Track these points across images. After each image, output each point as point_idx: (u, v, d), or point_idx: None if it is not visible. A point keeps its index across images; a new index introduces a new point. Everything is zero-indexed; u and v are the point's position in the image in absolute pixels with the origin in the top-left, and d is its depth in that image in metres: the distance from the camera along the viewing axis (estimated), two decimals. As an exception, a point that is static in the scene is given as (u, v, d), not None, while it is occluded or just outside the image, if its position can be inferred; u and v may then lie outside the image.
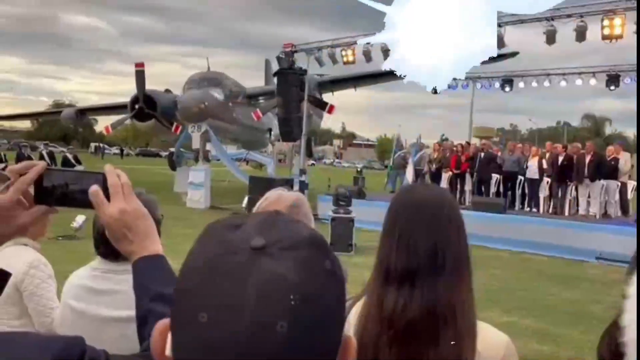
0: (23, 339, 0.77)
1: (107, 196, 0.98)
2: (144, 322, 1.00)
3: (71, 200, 1.01)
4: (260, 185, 13.49)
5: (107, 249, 1.93)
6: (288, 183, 13.98)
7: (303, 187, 15.28)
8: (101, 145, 67.64)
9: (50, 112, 35.82)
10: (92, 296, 1.93)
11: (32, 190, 0.96)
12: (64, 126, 35.07)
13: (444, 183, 15.74)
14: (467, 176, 15.80)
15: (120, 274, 1.87)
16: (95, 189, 0.97)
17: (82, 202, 0.99)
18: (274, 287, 0.48)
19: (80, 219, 9.48)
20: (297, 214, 1.71)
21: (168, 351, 0.52)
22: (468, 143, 18.08)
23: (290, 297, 0.48)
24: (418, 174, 17.54)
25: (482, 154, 15.33)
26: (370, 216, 11.53)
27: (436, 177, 16.48)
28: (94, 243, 2.00)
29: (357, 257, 9.89)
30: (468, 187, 15.79)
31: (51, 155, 21.68)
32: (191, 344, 0.49)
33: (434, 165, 16.82)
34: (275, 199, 1.74)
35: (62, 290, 2.12)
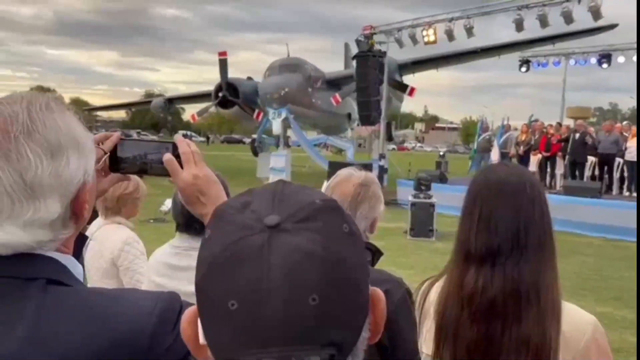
0: (135, 293, 0.88)
1: (180, 163, 1.04)
2: None
3: (149, 169, 1.07)
4: (339, 170, 13.50)
5: (187, 225, 2.01)
6: (367, 168, 13.90)
7: (382, 171, 15.15)
8: (188, 132, 71.00)
9: (142, 102, 37.90)
10: (173, 272, 2.04)
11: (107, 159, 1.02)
12: (155, 115, 37.03)
13: (533, 166, 14.97)
14: (558, 159, 14.93)
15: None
16: (169, 156, 1.03)
17: (159, 170, 1.06)
18: (298, 262, 0.47)
19: (168, 202, 9.95)
20: (366, 192, 1.71)
21: (202, 339, 0.52)
22: (559, 124, 17.05)
23: (317, 269, 0.47)
24: (504, 157, 16.79)
25: (576, 135, 14.37)
26: (451, 201, 11.17)
27: (524, 160, 15.69)
28: (176, 222, 2.08)
29: (438, 242, 9.67)
30: (559, 170, 14.92)
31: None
32: (225, 330, 0.49)
33: (521, 148, 16.03)
34: (344, 177, 1.74)
35: (147, 266, 2.22)
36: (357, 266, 0.51)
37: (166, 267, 2.07)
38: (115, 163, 1.04)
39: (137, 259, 2.60)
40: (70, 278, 0.81)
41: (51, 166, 0.75)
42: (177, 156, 1.04)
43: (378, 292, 0.54)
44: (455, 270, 1.32)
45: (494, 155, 17.00)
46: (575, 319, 1.27)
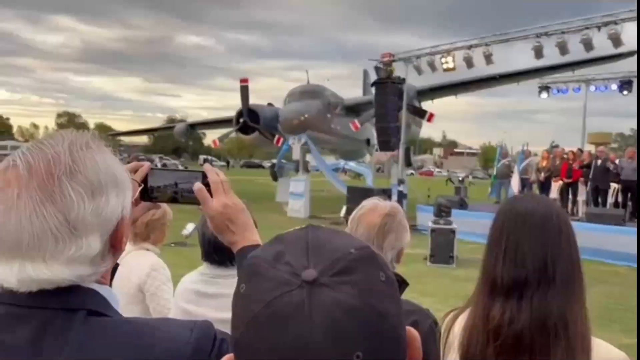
0: (171, 322, 0.89)
1: (209, 192, 1.07)
2: None
3: (180, 198, 1.11)
4: (358, 195, 13.52)
5: (215, 255, 2.05)
6: (386, 193, 13.90)
7: (401, 197, 15.11)
8: (209, 157, 71.70)
9: (164, 128, 38.60)
10: (201, 299, 2.07)
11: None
12: (176, 140, 37.63)
13: (554, 193, 14.80)
14: (580, 185, 14.73)
15: (226, 278, 1.99)
16: (199, 186, 1.07)
17: (189, 198, 1.09)
18: (339, 319, 0.47)
19: (190, 226, 10.08)
20: (392, 222, 1.72)
21: None
22: (580, 150, 16.88)
23: (359, 325, 0.47)
24: (524, 183, 16.64)
25: (598, 162, 14.21)
26: (472, 227, 11.11)
27: (545, 186, 15.54)
28: (202, 250, 2.13)
29: (459, 269, 9.56)
30: (581, 197, 14.71)
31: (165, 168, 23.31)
32: None
33: (542, 174, 15.87)
34: (370, 207, 1.75)
35: (175, 292, 2.27)
36: (396, 315, 0.51)
37: (194, 293, 2.10)
38: (146, 192, 1.08)
39: (163, 285, 2.65)
40: (109, 308, 0.83)
41: (92, 205, 0.78)
42: (206, 185, 1.08)
43: (412, 332, 0.55)
44: (480, 302, 1.29)
45: (514, 182, 16.85)
46: (603, 354, 1.23)
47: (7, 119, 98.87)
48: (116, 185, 0.82)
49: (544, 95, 20.65)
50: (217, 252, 2.02)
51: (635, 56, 13.88)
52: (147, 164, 1.11)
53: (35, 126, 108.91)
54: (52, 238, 0.75)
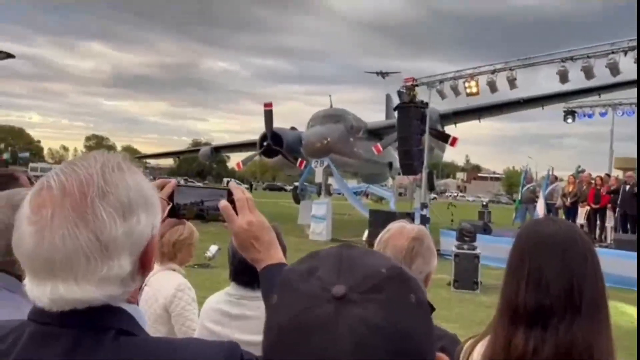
0: (199, 342, 0.89)
1: (234, 209, 1.08)
2: None
3: (206, 215, 1.12)
4: (380, 219, 13.45)
5: (243, 276, 2.05)
6: (409, 216, 13.79)
7: (424, 221, 14.96)
8: (232, 179, 72.27)
9: (190, 151, 39.17)
10: (226, 320, 2.07)
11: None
12: (201, 163, 38.11)
13: (581, 218, 14.50)
14: (608, 211, 14.41)
15: (252, 300, 1.99)
16: (225, 203, 1.08)
17: (215, 216, 1.11)
18: (365, 336, 0.47)
19: (213, 248, 10.14)
20: (420, 246, 1.70)
21: None
22: (608, 175, 16.55)
23: (383, 343, 0.47)
24: (550, 208, 16.35)
25: (626, 187, 13.90)
26: (497, 252, 10.90)
27: (571, 212, 15.25)
28: (230, 270, 2.13)
29: (483, 295, 9.39)
30: (609, 223, 14.37)
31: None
32: None
33: (568, 199, 15.60)
34: (397, 230, 1.74)
35: (200, 312, 2.28)
36: (423, 337, 0.51)
37: (219, 314, 2.11)
38: (173, 209, 1.10)
39: (189, 306, 2.66)
40: (137, 328, 0.84)
41: (124, 226, 0.79)
42: (232, 202, 1.09)
43: (443, 358, 0.56)
44: (501, 330, 1.23)
45: (540, 207, 16.57)
46: None
47: (39, 141, 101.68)
48: (146, 206, 0.83)
49: (570, 119, 20.40)
50: (245, 273, 2.01)
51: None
52: (173, 181, 1.13)
53: (65, 149, 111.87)
54: (84, 258, 0.76)
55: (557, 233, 1.26)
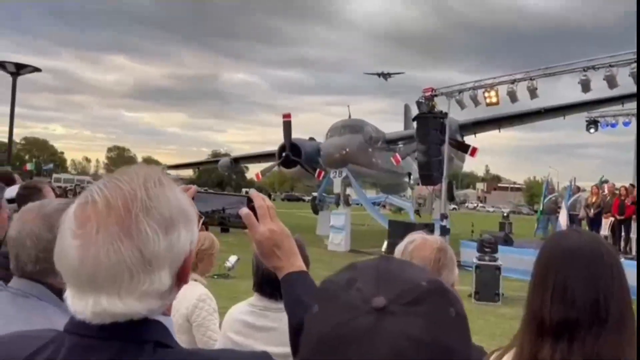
0: (231, 353, 0.92)
1: (255, 216, 1.09)
2: (300, 331, 1.09)
3: (227, 222, 1.14)
4: (399, 230, 13.38)
5: (267, 287, 2.05)
6: (428, 227, 13.68)
7: (444, 232, 14.83)
8: (251, 190, 72.51)
9: (209, 162, 39.56)
10: (250, 331, 2.07)
11: None
12: (220, 173, 38.36)
13: (605, 229, 14.21)
14: (633, 222, 14.11)
15: (276, 311, 1.98)
16: (246, 211, 1.09)
17: (236, 223, 1.12)
18: (404, 349, 0.47)
19: (232, 259, 10.17)
20: (445, 256, 1.70)
21: None
22: (632, 185, 16.23)
23: (422, 356, 0.47)
24: (573, 219, 16.08)
25: (651, 198, 13.61)
26: (518, 264, 10.76)
27: (595, 223, 14.95)
28: (254, 281, 2.13)
29: (505, 307, 9.25)
30: (634, 234, 14.06)
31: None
32: None
33: (592, 210, 15.31)
34: (421, 242, 1.73)
35: (222, 322, 2.28)
36: (462, 351, 0.51)
37: (243, 325, 2.11)
38: None
39: (210, 316, 2.68)
40: (171, 339, 0.86)
41: (166, 240, 0.80)
42: (252, 209, 1.10)
43: None
44: (527, 342, 1.23)
45: (562, 218, 16.32)
46: None
47: (62, 153, 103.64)
48: (186, 220, 0.84)
49: (592, 129, 20.10)
50: (269, 284, 2.00)
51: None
52: (193, 188, 1.14)
53: (88, 160, 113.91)
54: (127, 273, 0.77)
55: (582, 245, 1.25)
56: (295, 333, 1.08)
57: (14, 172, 5.13)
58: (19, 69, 13.51)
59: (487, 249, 10.44)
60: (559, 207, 17.14)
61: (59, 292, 1.43)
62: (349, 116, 23.61)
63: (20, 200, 2.60)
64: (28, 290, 1.44)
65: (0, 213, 1.98)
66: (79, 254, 0.77)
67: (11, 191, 2.69)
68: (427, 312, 0.49)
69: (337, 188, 20.20)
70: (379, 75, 67.26)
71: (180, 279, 0.85)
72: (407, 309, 0.49)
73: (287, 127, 21.33)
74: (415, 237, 1.76)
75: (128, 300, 0.78)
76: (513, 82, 15.20)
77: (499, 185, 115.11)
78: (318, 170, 21.52)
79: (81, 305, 0.79)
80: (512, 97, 15.24)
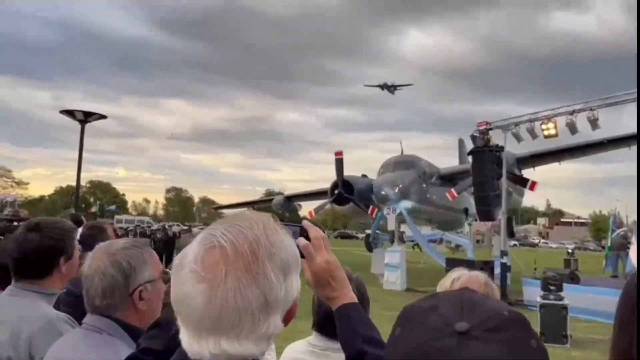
0: None
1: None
2: None
3: None
4: (457, 267, 12.95)
5: (324, 324, 2.01)
6: (488, 265, 13.21)
7: (505, 269, 14.27)
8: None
9: (263, 200, 40.32)
10: None
11: None
12: (274, 211, 38.90)
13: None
14: None
15: (335, 352, 1.93)
16: (305, 242, 1.11)
17: None
18: None
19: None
20: (492, 293, 1.71)
21: None
22: None
23: None
24: (645, 255, 15.11)
25: None
26: (587, 303, 10.17)
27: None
28: (314, 320, 2.10)
29: (575, 350, 8.71)
30: None
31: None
32: None
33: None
34: (469, 277, 1.75)
35: None
36: None
37: None
38: None
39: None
40: None
41: (285, 285, 0.83)
42: (306, 239, 1.11)
43: None
44: None
45: (633, 254, 15.36)
46: None
47: (124, 194, 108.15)
48: (297, 265, 0.88)
49: (661, 159, 19.06)
50: (332, 324, 1.97)
51: None
52: None
53: (147, 201, 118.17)
54: (250, 317, 0.79)
55: None
56: None
57: (80, 214, 5.39)
58: (86, 117, 14.34)
59: (551, 287, 9.93)
60: (629, 242, 16.17)
61: (125, 327, 1.54)
62: (402, 152, 23.53)
63: (84, 239, 2.70)
64: (100, 326, 1.53)
65: (74, 253, 2.08)
66: (205, 297, 0.79)
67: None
68: (510, 339, 0.50)
69: (391, 225, 19.94)
70: (382, 87, 64.00)
71: (285, 321, 0.87)
72: (489, 335, 0.49)
73: (339, 164, 21.48)
74: (462, 272, 1.78)
75: (246, 343, 0.80)
76: (572, 113, 14.73)
77: (562, 220, 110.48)
78: (371, 207, 21.40)
79: (200, 347, 0.80)
80: (572, 128, 14.74)
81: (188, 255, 0.82)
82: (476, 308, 0.52)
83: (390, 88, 63.72)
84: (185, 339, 0.82)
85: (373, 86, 65.54)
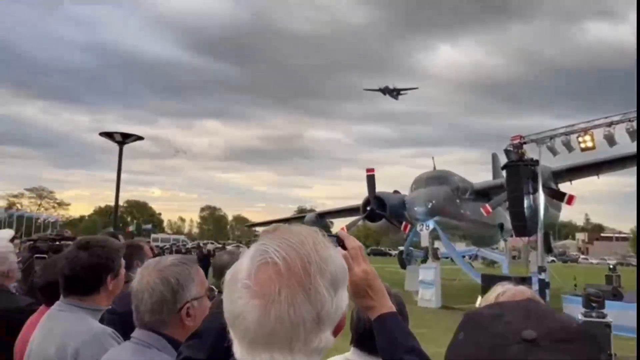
0: None
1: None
2: None
3: None
4: (494, 284, 12.67)
5: (368, 342, 2.00)
6: (525, 281, 12.90)
7: (543, 286, 13.91)
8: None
9: (295, 218, 40.45)
10: None
11: None
12: (307, 229, 39.02)
13: None
14: None
15: None
16: (342, 252, 1.11)
17: None
18: None
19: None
20: None
21: None
22: None
23: None
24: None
25: None
26: (630, 320, 9.79)
27: None
28: (352, 335, 2.10)
29: (620, 370, 8.37)
30: None
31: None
32: None
33: None
34: (515, 291, 1.71)
35: None
36: None
37: None
38: None
39: None
40: None
41: (335, 300, 0.84)
42: (342, 248, 1.13)
43: None
44: None
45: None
46: None
47: (159, 214, 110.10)
48: (345, 280, 0.89)
49: None
50: (372, 339, 1.96)
51: None
52: None
53: (182, 220, 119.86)
54: (303, 332, 0.81)
55: None
56: None
57: (118, 232, 5.55)
58: (124, 138, 14.74)
59: (593, 304, 9.60)
60: (675, 257, 15.54)
61: (173, 343, 1.57)
62: (434, 168, 23.32)
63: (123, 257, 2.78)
64: (149, 341, 1.57)
65: (120, 271, 2.15)
66: (260, 313, 0.80)
67: None
68: (578, 351, 0.49)
69: (424, 241, 19.71)
70: (383, 92, 57.83)
71: (334, 334, 0.88)
72: (557, 346, 0.49)
73: (371, 181, 21.43)
74: (507, 287, 1.74)
75: (299, 357, 0.81)
76: (610, 124, 14.38)
77: (602, 235, 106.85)
78: (404, 223, 21.21)
79: None
80: (610, 140, 14.39)
81: (241, 271, 0.84)
82: (544, 318, 0.52)
83: (393, 92, 58.68)
84: (239, 352, 0.83)
85: (373, 90, 60.49)
